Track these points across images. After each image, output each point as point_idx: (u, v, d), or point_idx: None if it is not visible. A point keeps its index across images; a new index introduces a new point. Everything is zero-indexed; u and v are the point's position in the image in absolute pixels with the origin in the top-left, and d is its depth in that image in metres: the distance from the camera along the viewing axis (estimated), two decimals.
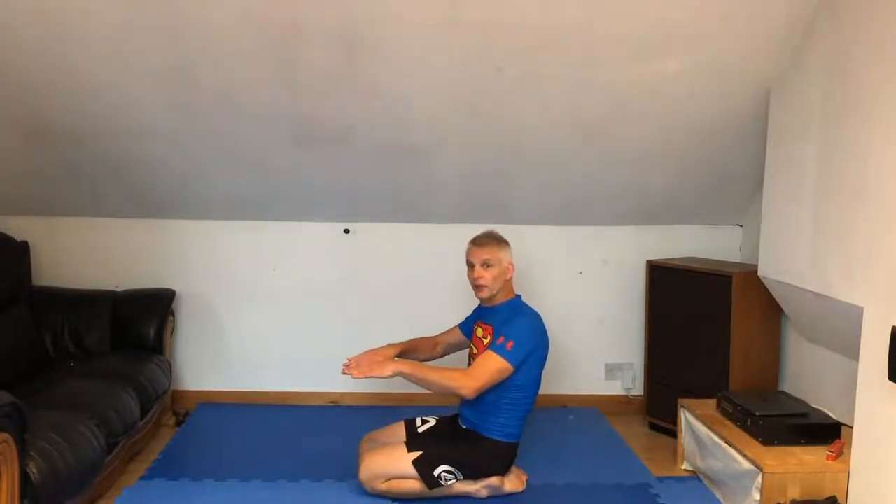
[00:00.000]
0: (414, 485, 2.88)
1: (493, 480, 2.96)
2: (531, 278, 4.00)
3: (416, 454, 2.90)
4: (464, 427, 3.07)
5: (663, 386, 3.72)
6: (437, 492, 2.90)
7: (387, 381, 3.13)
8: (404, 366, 2.86)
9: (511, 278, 3.07)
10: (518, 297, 3.10)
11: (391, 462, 2.90)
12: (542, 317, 3.04)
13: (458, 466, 2.91)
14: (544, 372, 3.05)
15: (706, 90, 3.13)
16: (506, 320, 2.97)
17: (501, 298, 3.06)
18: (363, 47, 2.88)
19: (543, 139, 3.38)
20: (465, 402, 3.00)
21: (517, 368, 2.89)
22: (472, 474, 2.93)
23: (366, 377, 2.82)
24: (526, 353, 2.90)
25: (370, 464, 2.91)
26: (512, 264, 3.05)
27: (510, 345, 2.87)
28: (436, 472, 2.88)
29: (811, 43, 2.84)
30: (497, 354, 2.87)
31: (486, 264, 3.00)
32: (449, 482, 2.91)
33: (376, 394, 3.93)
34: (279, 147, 3.42)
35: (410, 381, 2.87)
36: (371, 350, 3.02)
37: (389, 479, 2.89)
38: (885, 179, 2.39)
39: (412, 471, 2.87)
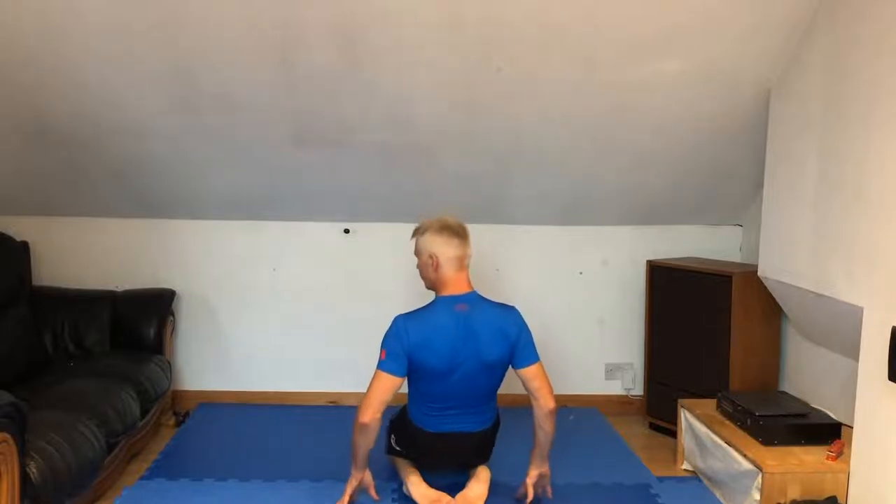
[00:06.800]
0: None
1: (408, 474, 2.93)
2: (532, 278, 4.00)
3: None
4: None
5: (663, 386, 3.72)
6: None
7: None
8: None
9: (423, 273, 2.90)
10: (436, 298, 2.87)
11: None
12: (526, 313, 2.87)
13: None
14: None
15: (706, 90, 3.13)
16: None
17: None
18: (363, 47, 2.88)
19: (543, 139, 3.38)
20: None
21: (397, 373, 2.67)
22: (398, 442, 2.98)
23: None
24: (397, 357, 2.67)
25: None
26: (426, 255, 2.81)
27: (383, 354, 2.70)
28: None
29: (811, 43, 2.84)
30: (377, 370, 2.69)
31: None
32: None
33: None
34: (279, 147, 3.42)
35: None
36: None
37: None
38: (885, 180, 2.39)
39: None
